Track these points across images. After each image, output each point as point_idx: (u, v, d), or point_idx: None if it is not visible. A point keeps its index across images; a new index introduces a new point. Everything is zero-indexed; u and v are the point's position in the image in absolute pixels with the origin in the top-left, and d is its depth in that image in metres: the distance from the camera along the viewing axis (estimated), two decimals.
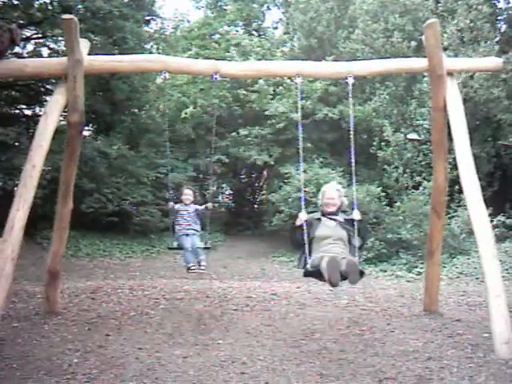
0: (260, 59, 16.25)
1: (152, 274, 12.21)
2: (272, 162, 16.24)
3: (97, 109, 15.10)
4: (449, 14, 15.61)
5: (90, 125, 16.65)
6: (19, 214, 5.78)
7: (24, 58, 14.11)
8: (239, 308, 7.98)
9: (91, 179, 14.52)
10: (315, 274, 6.01)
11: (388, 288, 10.35)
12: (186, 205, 7.75)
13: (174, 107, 17.12)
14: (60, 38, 14.89)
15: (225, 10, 22.39)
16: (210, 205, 7.73)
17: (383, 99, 15.82)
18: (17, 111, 16.23)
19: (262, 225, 16.53)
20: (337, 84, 16.23)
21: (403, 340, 6.31)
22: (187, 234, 7.64)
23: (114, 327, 6.84)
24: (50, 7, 14.28)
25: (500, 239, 13.97)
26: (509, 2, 17.02)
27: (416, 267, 12.32)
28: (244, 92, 16.59)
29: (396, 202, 13.98)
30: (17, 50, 13.98)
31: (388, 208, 13.95)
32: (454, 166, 6.87)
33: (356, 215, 6.16)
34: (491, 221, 13.42)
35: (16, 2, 14.15)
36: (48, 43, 15.99)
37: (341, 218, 6.43)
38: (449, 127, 6.74)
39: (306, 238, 6.08)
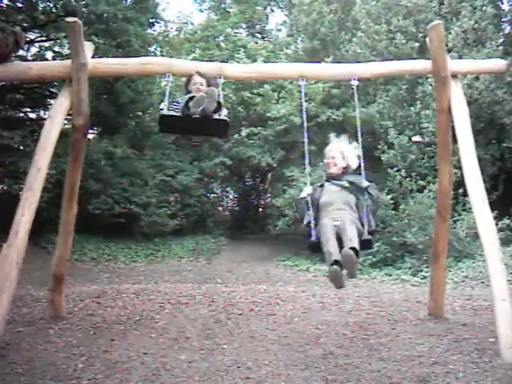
0: (265, 61, 16.26)
1: (157, 278, 12.22)
2: (275, 165, 16.22)
3: (101, 111, 15.12)
4: (452, 16, 15.54)
5: (95, 128, 16.68)
6: (24, 218, 5.79)
7: (28, 61, 14.15)
8: (244, 312, 7.97)
9: (97, 181, 14.55)
10: (319, 248, 5.60)
11: (393, 292, 10.32)
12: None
13: None
14: (64, 41, 14.92)
15: (228, 12, 22.39)
16: None
17: (386, 101, 15.78)
18: (21, 114, 16.26)
19: (267, 228, 16.51)
20: (340, 86, 16.20)
21: (408, 345, 6.28)
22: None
23: (119, 332, 6.83)
24: (53, 10, 14.31)
25: (505, 242, 13.86)
26: None
27: (421, 271, 12.28)
28: (249, 95, 16.58)
29: (400, 206, 13.92)
30: (21, 52, 14.00)
31: (393, 212, 13.89)
32: (459, 169, 6.84)
33: (364, 183, 5.81)
34: (496, 224, 13.52)
35: (20, 5, 14.19)
36: (52, 46, 16.02)
37: (345, 182, 5.95)
38: (453, 129, 6.72)
39: (310, 211, 5.74)
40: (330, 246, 5.42)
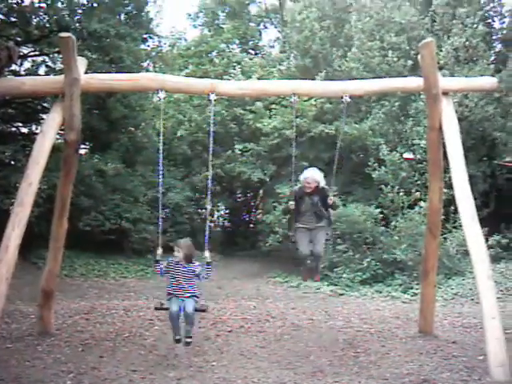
0: (259, 78, 16.31)
1: (147, 294, 12.13)
2: (267, 179, 16.23)
3: (93, 127, 15.10)
4: (444, 33, 15.70)
5: (87, 143, 16.64)
6: (15, 232, 5.78)
7: (21, 75, 14.13)
8: (234, 329, 7.95)
9: (88, 197, 14.48)
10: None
11: (383, 309, 10.33)
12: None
13: (170, 126, 17.15)
14: (57, 56, 14.92)
15: (222, 28, 22.51)
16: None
17: (379, 118, 15.85)
18: (13, 129, 16.19)
19: (258, 245, 16.45)
20: (332, 102, 16.25)
21: (398, 362, 6.28)
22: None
23: (108, 348, 6.79)
24: (47, 25, 14.31)
25: (495, 259, 13.93)
26: (503, 22, 17.16)
27: (411, 288, 12.26)
28: (241, 111, 16.62)
29: (391, 222, 13.94)
30: (14, 67, 13.99)
31: (383, 228, 13.91)
32: (450, 186, 6.88)
33: (329, 200, 7.46)
34: (486, 240, 13.55)
35: (14, 20, 14.20)
36: (45, 61, 16.01)
37: (316, 197, 7.54)
38: (444, 146, 6.76)
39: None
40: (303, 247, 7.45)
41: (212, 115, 7.19)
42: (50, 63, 15.88)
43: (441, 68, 14.54)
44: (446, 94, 6.93)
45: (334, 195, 8.16)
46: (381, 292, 12.47)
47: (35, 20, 14.46)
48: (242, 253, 16.80)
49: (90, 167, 14.70)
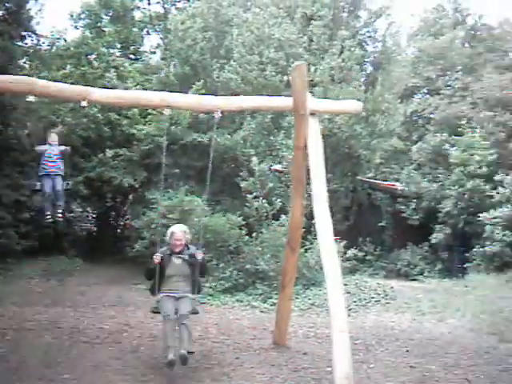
0: (137, 84, 16.13)
1: (4, 300, 11.52)
2: (137, 186, 16.02)
3: None
4: (321, 53, 16.32)
5: None
6: None
7: None
8: (90, 340, 7.78)
9: None
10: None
11: (242, 319, 10.51)
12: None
13: (41, 126, 16.44)
14: None
15: (103, 31, 21.96)
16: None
17: (250, 129, 16.15)
18: None
19: (125, 250, 16.18)
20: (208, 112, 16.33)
21: (250, 374, 6.45)
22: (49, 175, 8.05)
23: None
24: None
25: (351, 271, 14.76)
26: (376, 46, 18.20)
27: (271, 298, 12.48)
28: (116, 116, 16.31)
29: (255, 232, 14.21)
30: None
31: (248, 238, 14.13)
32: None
33: (198, 256, 6.97)
34: (345, 253, 14.32)
35: None
36: None
37: (186, 255, 7.11)
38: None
39: (157, 274, 6.95)
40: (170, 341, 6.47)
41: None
42: None
43: (315, 85, 15.20)
44: (313, 114, 7.15)
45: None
46: (242, 301, 12.63)
47: None
48: (109, 258, 16.43)
49: None
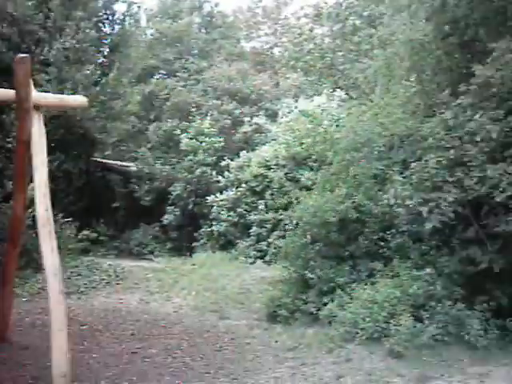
0: None
1: None
2: None
3: None
4: (57, 32, 15.65)
5: None
6: None
7: None
8: None
9: None
10: None
11: None
12: None
13: None
14: None
15: None
16: None
17: None
18: None
19: None
20: None
21: None
22: None
23: None
24: None
25: (84, 252, 14.73)
26: (113, 28, 17.99)
27: None
28: None
29: None
30: None
31: None
32: None
33: None
34: (76, 235, 14.13)
35: None
36: None
37: None
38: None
39: None
40: None
41: None
42: None
43: (49, 64, 14.58)
44: (38, 108, 6.95)
45: None
46: None
47: None
48: None
49: None
